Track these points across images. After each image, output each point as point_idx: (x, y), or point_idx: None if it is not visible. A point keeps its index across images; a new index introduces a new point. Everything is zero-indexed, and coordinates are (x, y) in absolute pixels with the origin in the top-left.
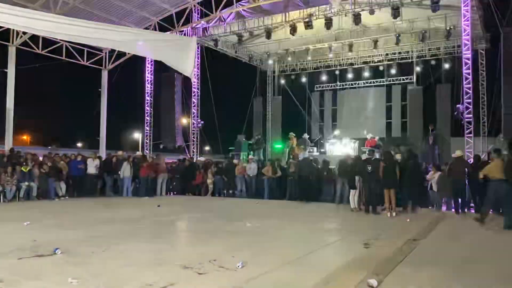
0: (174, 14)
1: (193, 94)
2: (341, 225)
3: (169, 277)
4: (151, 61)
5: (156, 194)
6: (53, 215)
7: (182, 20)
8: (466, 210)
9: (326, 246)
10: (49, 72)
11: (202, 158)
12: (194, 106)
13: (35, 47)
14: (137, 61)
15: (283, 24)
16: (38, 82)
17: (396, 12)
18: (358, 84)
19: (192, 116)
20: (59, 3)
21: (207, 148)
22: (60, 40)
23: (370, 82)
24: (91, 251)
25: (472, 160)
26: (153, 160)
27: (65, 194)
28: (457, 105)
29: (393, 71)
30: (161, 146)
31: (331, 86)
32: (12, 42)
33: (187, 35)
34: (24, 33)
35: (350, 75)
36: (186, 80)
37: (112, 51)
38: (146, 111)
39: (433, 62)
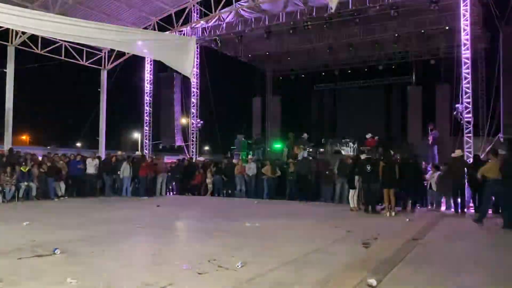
0: (173, 14)
1: (192, 94)
2: (341, 225)
3: (168, 277)
4: (151, 61)
5: (156, 194)
6: (52, 215)
7: (182, 20)
8: (465, 209)
9: (325, 246)
10: (48, 72)
11: (201, 158)
12: (193, 106)
13: (34, 47)
14: (137, 61)
15: (282, 24)
16: (37, 82)
17: (395, 12)
18: (358, 83)
19: (192, 116)
20: (58, 3)
21: (206, 148)
22: (59, 40)
23: (370, 82)
24: (90, 251)
25: (471, 160)
26: (153, 160)
27: (64, 194)
28: (457, 105)
29: (392, 71)
30: (161, 146)
31: (330, 86)
32: (11, 42)
33: (187, 35)
34: (23, 33)
35: (349, 75)
36: (186, 80)
37: (111, 51)
38: (145, 111)
39: (432, 62)
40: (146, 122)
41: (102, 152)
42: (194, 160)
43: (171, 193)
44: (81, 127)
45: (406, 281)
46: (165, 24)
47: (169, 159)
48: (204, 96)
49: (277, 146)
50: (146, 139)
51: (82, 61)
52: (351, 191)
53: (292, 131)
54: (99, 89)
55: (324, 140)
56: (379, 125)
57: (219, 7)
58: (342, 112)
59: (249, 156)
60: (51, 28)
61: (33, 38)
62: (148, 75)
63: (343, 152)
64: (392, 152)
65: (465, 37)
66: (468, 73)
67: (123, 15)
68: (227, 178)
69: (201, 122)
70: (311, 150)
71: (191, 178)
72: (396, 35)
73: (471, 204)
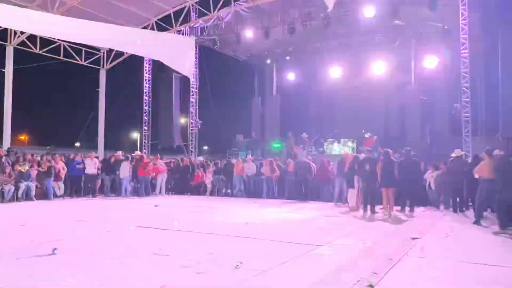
0: (172, 14)
1: (191, 94)
2: (339, 224)
3: (167, 276)
4: (149, 61)
5: (155, 194)
6: (51, 215)
7: (180, 20)
8: (464, 209)
9: (324, 245)
10: (47, 72)
11: (200, 158)
12: (192, 105)
13: (33, 47)
14: (135, 61)
15: (281, 24)
16: (36, 82)
17: (394, 11)
18: (356, 83)
19: (191, 115)
20: (57, 3)
21: (205, 147)
22: (58, 39)
23: (368, 81)
24: (89, 250)
25: (470, 159)
26: (152, 160)
27: (63, 194)
28: (455, 104)
29: (390, 70)
30: (160, 146)
31: (329, 85)
32: (10, 42)
33: (185, 35)
34: (22, 33)
35: (347, 74)
36: (184, 80)
37: (110, 50)
38: (144, 110)
39: (431, 61)
40: (145, 122)
41: (101, 152)
42: (193, 160)
43: (170, 193)
44: (80, 127)
45: (405, 280)
46: (164, 24)
47: (168, 159)
48: (203, 95)
49: (276, 145)
50: (145, 139)
51: (81, 60)
52: (350, 191)
53: (292, 130)
54: (97, 89)
55: (323, 140)
56: (378, 125)
57: (218, 7)
58: (341, 111)
59: (248, 156)
60: (49, 28)
61: (32, 38)
62: (146, 74)
63: (342, 152)
64: (390, 152)
65: (463, 36)
66: (466, 73)
67: (122, 15)
68: (226, 178)
69: (200, 122)
70: (310, 149)
71: (190, 178)
72: (395, 34)
73: (470, 204)
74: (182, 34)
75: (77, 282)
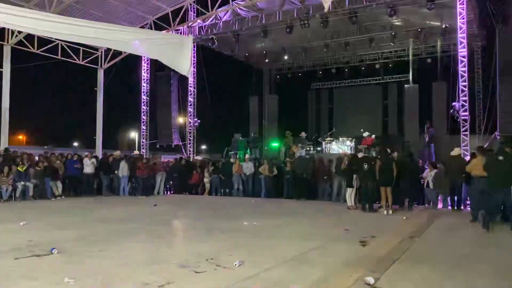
0: (170, 13)
1: (189, 93)
2: (338, 223)
3: (166, 276)
4: (147, 60)
5: (153, 193)
6: (49, 215)
7: (178, 19)
8: (462, 207)
9: (323, 244)
10: (45, 72)
11: (198, 157)
12: (190, 105)
13: (30, 47)
14: (133, 60)
15: (279, 23)
16: (33, 82)
17: (392, 11)
18: (355, 82)
19: (189, 115)
20: (54, 2)
21: (203, 147)
22: (56, 39)
23: (367, 81)
24: (88, 250)
25: (469, 158)
26: (150, 159)
27: (61, 194)
28: (453, 103)
29: (389, 70)
30: (158, 145)
31: (327, 85)
32: (7, 42)
33: (183, 34)
34: (19, 32)
35: (346, 74)
36: (182, 79)
37: (108, 50)
38: (142, 110)
39: (429, 60)
40: (143, 121)
41: (99, 151)
42: (191, 159)
43: (169, 192)
44: (78, 127)
45: (403, 278)
46: (162, 23)
47: (166, 158)
48: (201, 95)
49: (274, 144)
50: (143, 138)
51: (79, 60)
52: (349, 190)
53: (289, 129)
54: (96, 88)
55: (321, 139)
56: (376, 124)
57: (216, 6)
58: (339, 110)
59: (247, 155)
60: (47, 27)
61: (29, 37)
62: (145, 74)
63: (340, 151)
64: (389, 151)
65: (461, 35)
66: (464, 71)
67: (120, 14)
68: (225, 177)
69: (198, 121)
70: (308, 148)
71: (188, 177)
72: (393, 33)
73: (468, 202)
74: (180, 34)
75: (76, 282)
